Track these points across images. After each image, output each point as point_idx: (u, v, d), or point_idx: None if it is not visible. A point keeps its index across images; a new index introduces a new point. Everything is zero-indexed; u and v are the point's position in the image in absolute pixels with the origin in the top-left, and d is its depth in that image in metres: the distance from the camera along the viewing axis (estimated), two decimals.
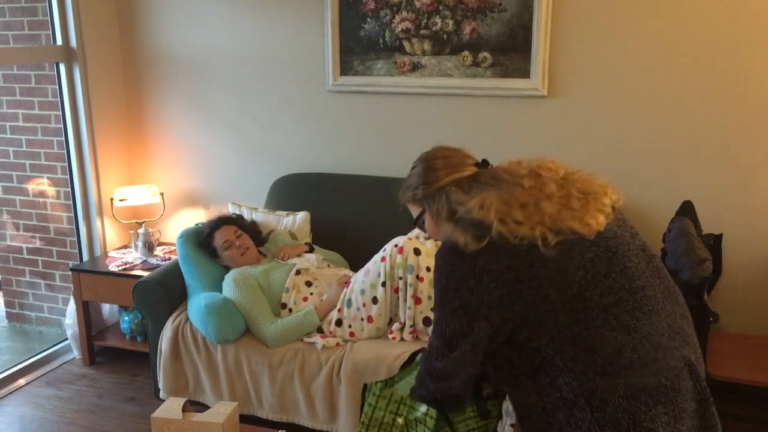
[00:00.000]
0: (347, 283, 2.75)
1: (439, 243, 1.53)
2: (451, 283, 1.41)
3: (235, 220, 3.10)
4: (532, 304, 1.37)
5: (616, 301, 1.38)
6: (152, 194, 3.65)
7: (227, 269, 2.97)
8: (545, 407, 1.40)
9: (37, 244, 4.07)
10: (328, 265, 3.05)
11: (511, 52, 3.04)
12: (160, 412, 1.92)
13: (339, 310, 2.69)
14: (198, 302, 2.80)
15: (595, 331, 1.36)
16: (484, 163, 1.58)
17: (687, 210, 2.65)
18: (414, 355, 2.34)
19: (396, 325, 2.63)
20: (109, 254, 3.63)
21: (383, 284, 2.59)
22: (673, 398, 1.37)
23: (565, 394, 1.37)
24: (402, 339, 2.62)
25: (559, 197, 1.43)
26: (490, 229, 1.38)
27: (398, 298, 2.60)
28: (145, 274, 3.15)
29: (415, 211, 1.64)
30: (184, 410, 1.93)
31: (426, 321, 2.58)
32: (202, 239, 3.01)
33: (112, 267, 3.42)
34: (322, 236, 3.25)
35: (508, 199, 1.42)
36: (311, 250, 3.09)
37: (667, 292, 1.46)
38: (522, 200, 1.41)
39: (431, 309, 1.88)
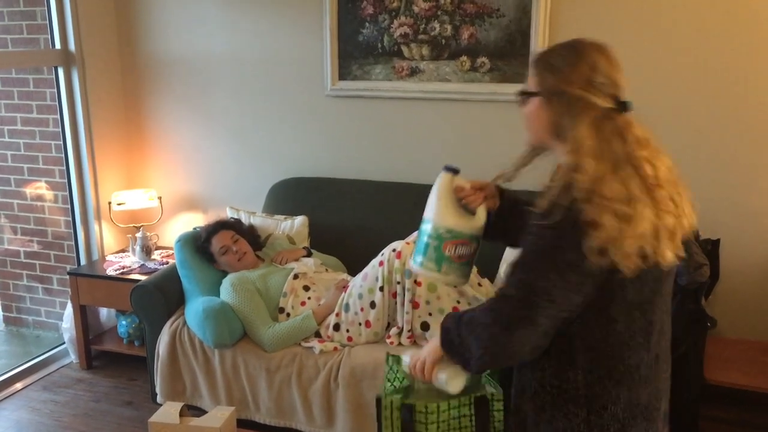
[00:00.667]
0: (345, 287, 2.75)
1: (528, 133, 1.52)
2: (565, 232, 1.31)
3: (233, 225, 3.10)
4: (608, 293, 1.35)
5: (655, 320, 1.43)
6: (150, 198, 3.65)
7: (225, 273, 2.96)
8: (545, 385, 1.45)
9: (35, 247, 4.06)
10: (326, 270, 3.05)
11: (509, 57, 3.05)
12: (157, 417, 1.92)
13: (337, 315, 2.69)
14: (196, 307, 2.79)
15: (631, 341, 1.40)
16: (623, 105, 1.40)
17: None
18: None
19: (394, 330, 2.63)
20: (107, 258, 3.63)
21: (381, 289, 2.59)
22: (654, 417, 1.46)
23: (568, 386, 1.41)
24: (400, 344, 2.61)
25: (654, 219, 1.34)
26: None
27: (396, 303, 2.60)
28: (143, 278, 3.15)
29: (531, 85, 1.50)
30: (181, 415, 1.93)
31: (424, 326, 2.57)
32: (199, 244, 3.01)
33: (110, 271, 3.41)
34: (320, 240, 3.25)
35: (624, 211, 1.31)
36: (309, 255, 3.08)
37: (667, 316, 1.51)
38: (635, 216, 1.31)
39: (456, 302, 1.71)
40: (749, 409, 2.58)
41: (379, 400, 2.15)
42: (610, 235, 1.27)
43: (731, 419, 2.52)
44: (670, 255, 1.35)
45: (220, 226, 3.05)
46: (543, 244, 1.34)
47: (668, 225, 1.35)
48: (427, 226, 1.60)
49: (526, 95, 1.51)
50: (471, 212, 1.64)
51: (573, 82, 1.38)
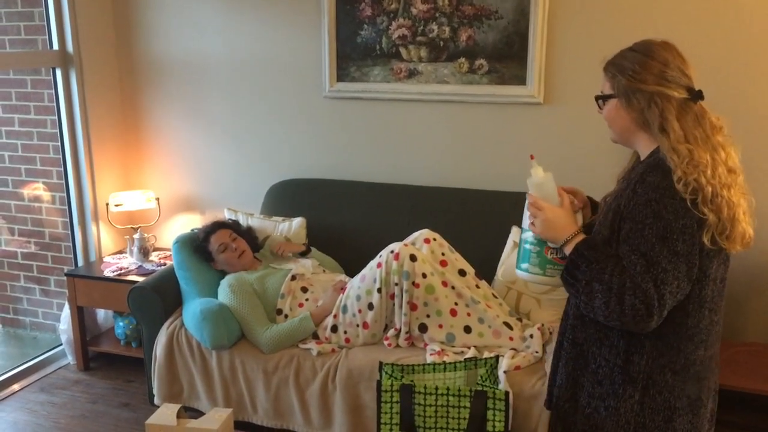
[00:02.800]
0: (343, 289, 2.75)
1: (611, 132, 1.63)
2: (677, 216, 1.43)
3: (231, 225, 3.10)
4: (696, 282, 1.47)
5: (717, 321, 1.56)
6: (148, 199, 3.64)
7: (223, 275, 2.96)
8: (609, 362, 1.55)
9: (32, 249, 4.05)
10: (324, 271, 3.05)
11: (507, 59, 3.05)
12: (154, 419, 1.92)
13: (335, 316, 2.69)
14: (193, 308, 2.79)
15: (695, 336, 1.52)
16: (697, 95, 1.53)
17: None
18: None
19: (391, 332, 2.63)
20: (104, 259, 3.62)
21: (379, 290, 2.59)
22: (701, 413, 1.58)
23: (631, 368, 1.52)
24: (397, 345, 2.61)
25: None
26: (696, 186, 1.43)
27: (394, 305, 2.60)
28: (141, 279, 3.15)
29: (605, 88, 1.62)
30: (178, 416, 1.93)
31: (422, 327, 2.57)
32: (197, 244, 3.01)
33: (107, 272, 3.41)
34: (318, 242, 3.25)
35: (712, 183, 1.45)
36: (308, 251, 3.09)
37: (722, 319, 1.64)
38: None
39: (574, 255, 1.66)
40: (745, 412, 2.57)
41: (379, 383, 2.19)
42: (716, 204, 1.42)
43: (729, 421, 2.51)
44: (750, 230, 1.49)
45: (218, 225, 3.05)
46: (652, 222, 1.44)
47: (746, 207, 1.51)
48: (526, 235, 1.69)
49: (602, 99, 1.62)
50: None
51: (647, 80, 1.50)
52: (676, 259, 1.41)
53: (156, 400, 2.86)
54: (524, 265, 1.70)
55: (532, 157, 1.70)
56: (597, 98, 1.63)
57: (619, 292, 1.41)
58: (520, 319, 2.69)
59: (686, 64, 1.54)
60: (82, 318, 3.49)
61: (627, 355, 1.52)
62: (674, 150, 1.45)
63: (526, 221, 1.70)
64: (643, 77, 1.50)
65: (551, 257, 1.64)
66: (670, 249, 1.41)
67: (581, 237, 1.55)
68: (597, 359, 1.57)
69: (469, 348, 2.54)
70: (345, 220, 3.26)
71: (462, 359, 2.42)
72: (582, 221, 1.69)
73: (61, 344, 3.66)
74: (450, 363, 2.38)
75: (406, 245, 2.62)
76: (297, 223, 3.25)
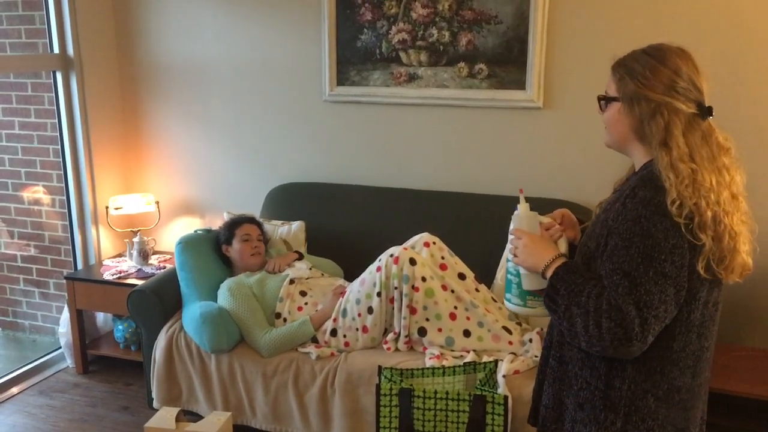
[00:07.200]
0: (342, 293, 2.75)
1: (607, 136, 1.52)
2: (667, 235, 1.33)
3: (261, 225, 3.16)
4: (684, 306, 1.38)
5: (707, 347, 1.46)
6: (148, 203, 3.65)
7: (223, 277, 2.96)
8: (591, 384, 1.47)
9: (32, 252, 4.06)
10: (322, 274, 3.05)
11: (507, 63, 3.06)
12: (153, 422, 1.92)
13: (334, 320, 2.69)
14: (193, 311, 2.79)
15: (681, 362, 1.42)
16: (707, 111, 1.41)
17: None
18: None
19: (391, 336, 2.63)
20: (104, 263, 3.62)
21: (378, 294, 2.59)
22: None
23: (612, 393, 1.43)
24: (397, 349, 2.61)
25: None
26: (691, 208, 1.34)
27: (393, 308, 2.60)
28: (140, 282, 3.15)
29: (610, 89, 1.49)
30: (177, 420, 1.93)
31: (421, 331, 2.58)
32: (230, 222, 3.07)
33: (107, 275, 3.41)
34: (318, 245, 3.25)
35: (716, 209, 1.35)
36: (301, 257, 3.09)
37: (714, 345, 1.54)
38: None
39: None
40: (737, 415, 2.56)
41: (378, 387, 2.19)
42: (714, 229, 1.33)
43: (721, 425, 2.51)
44: (750, 261, 1.41)
45: (255, 221, 3.13)
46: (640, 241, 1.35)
47: (747, 236, 1.40)
48: (509, 265, 1.64)
49: (605, 100, 1.50)
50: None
51: (655, 88, 1.39)
52: (664, 281, 1.31)
53: (155, 404, 2.86)
54: (507, 295, 1.66)
55: (521, 192, 1.64)
56: (600, 99, 1.52)
57: (596, 314, 1.33)
58: (519, 324, 2.69)
59: (700, 75, 1.43)
60: (81, 321, 3.49)
61: (608, 379, 1.43)
62: (673, 168, 1.34)
63: (508, 248, 1.65)
64: (652, 84, 1.39)
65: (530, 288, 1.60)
66: (656, 270, 1.31)
67: (561, 261, 1.47)
68: (579, 381, 1.49)
69: (468, 352, 2.54)
70: (344, 223, 3.27)
71: (461, 363, 2.42)
72: (566, 246, 1.61)
73: (60, 347, 3.65)
74: (449, 367, 2.38)
75: (405, 249, 2.63)
76: (296, 226, 3.25)
